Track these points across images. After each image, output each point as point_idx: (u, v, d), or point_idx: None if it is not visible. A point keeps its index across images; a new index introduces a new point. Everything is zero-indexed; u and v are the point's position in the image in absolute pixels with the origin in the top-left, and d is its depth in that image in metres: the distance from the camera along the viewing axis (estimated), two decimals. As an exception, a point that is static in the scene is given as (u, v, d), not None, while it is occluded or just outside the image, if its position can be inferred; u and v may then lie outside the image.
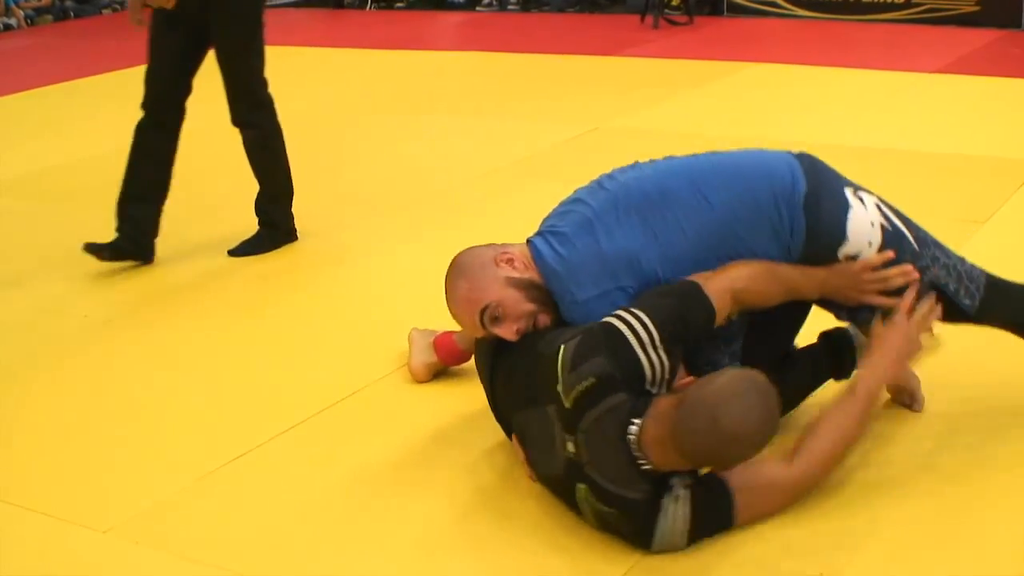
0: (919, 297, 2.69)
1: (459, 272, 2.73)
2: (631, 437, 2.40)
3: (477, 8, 10.89)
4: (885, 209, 2.75)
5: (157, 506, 2.77)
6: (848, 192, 2.71)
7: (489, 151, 5.81)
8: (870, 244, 2.68)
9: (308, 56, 8.93)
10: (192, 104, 4.24)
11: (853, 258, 2.68)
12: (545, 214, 2.84)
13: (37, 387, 3.47)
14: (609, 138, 5.93)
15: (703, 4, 9.80)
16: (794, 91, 6.90)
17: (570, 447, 2.48)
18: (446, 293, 2.75)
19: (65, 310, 3.96)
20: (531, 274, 2.69)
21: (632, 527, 2.45)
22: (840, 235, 2.67)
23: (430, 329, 3.31)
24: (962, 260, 2.83)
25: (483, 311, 2.66)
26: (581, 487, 2.48)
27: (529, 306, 2.67)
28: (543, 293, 2.69)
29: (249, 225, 4.46)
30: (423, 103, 7.07)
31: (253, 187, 4.45)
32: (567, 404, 2.48)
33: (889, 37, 8.57)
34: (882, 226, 2.70)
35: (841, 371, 2.93)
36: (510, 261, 2.69)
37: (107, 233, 4.23)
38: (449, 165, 5.61)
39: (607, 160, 3.02)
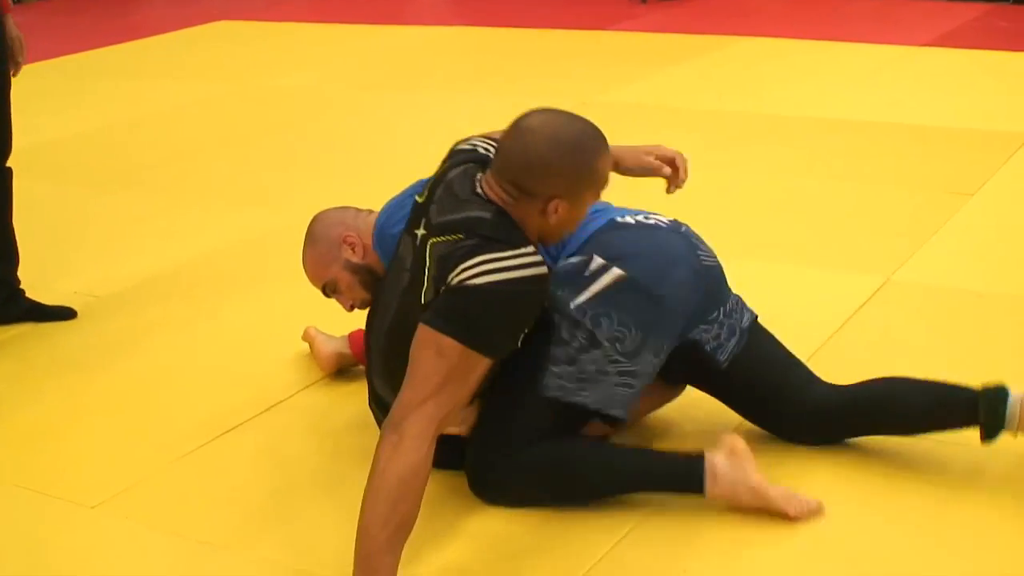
0: None
1: (312, 238, 2.98)
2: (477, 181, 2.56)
3: (465, -17, 10.83)
4: None
5: (143, 482, 2.79)
6: None
7: (475, 127, 5.76)
8: None
9: (293, 32, 8.87)
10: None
11: None
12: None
13: (28, 367, 3.47)
14: (597, 113, 5.75)
15: (692, -22, 9.76)
16: (783, 65, 6.88)
17: (420, 232, 2.48)
18: (303, 247, 2.99)
19: (56, 288, 3.93)
20: (368, 260, 2.88)
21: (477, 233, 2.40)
22: None
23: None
24: None
25: (325, 284, 2.94)
26: (429, 240, 2.43)
27: (362, 292, 2.90)
28: (376, 280, 2.85)
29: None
30: (408, 79, 7.04)
31: None
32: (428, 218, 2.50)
33: (878, 10, 8.54)
34: None
35: (990, 431, 2.49)
36: (352, 245, 2.90)
37: (94, 209, 4.20)
38: (435, 141, 5.56)
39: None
